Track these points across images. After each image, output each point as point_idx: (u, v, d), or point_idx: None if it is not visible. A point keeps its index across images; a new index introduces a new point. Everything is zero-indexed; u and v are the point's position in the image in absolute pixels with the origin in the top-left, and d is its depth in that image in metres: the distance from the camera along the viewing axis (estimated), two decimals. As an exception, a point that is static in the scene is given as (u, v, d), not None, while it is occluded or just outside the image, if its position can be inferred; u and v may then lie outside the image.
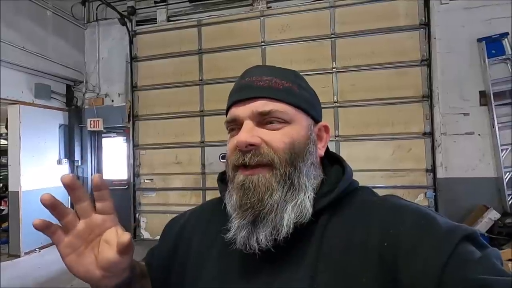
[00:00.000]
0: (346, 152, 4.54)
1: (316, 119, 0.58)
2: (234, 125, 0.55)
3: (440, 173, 4.28)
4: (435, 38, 4.36)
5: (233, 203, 0.53)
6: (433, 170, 4.32)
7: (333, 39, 4.69)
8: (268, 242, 0.49)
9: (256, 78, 0.55)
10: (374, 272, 0.45)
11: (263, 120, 0.53)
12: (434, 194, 4.31)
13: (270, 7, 4.99)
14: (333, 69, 4.66)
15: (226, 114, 0.58)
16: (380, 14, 4.50)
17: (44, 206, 0.43)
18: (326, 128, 0.60)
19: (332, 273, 0.47)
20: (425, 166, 4.36)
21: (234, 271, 0.54)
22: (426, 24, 4.40)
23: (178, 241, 0.64)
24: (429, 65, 4.36)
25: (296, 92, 0.55)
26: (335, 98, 4.63)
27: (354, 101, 4.58)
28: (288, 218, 0.50)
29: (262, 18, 4.96)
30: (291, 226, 0.50)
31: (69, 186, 0.45)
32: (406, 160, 4.41)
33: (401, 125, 4.44)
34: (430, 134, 4.34)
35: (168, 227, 0.70)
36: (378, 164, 4.46)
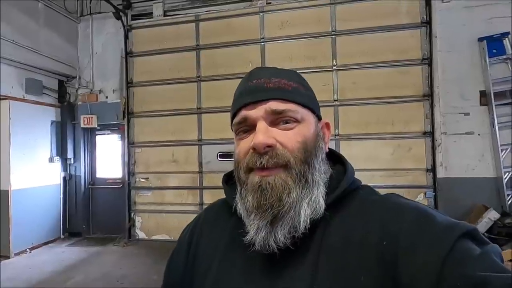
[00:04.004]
0: (346, 151, 4.49)
1: (319, 117, 0.60)
2: (245, 127, 0.56)
3: (440, 173, 4.26)
4: (436, 37, 4.33)
5: (248, 205, 0.53)
6: (433, 169, 4.30)
7: (333, 36, 4.62)
8: (286, 240, 0.50)
9: (265, 80, 0.55)
10: (373, 271, 0.45)
11: (276, 119, 0.53)
12: (434, 194, 4.29)
13: (270, 2, 4.89)
14: (334, 67, 4.60)
15: (233, 117, 0.58)
16: (381, 12, 4.44)
17: None
18: (327, 125, 0.62)
19: (332, 272, 0.47)
20: (425, 166, 4.33)
21: (237, 271, 0.55)
22: (427, 23, 4.36)
23: (190, 244, 0.65)
24: (430, 64, 4.33)
25: (303, 92, 0.57)
26: (335, 97, 4.57)
27: (354, 100, 4.52)
28: (305, 214, 0.51)
29: (261, 14, 4.86)
30: (308, 221, 0.51)
31: None
32: (406, 159, 4.37)
33: (402, 124, 4.40)
34: (431, 134, 4.31)
35: (180, 239, 0.70)
36: (378, 164, 4.42)
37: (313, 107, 0.58)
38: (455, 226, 0.44)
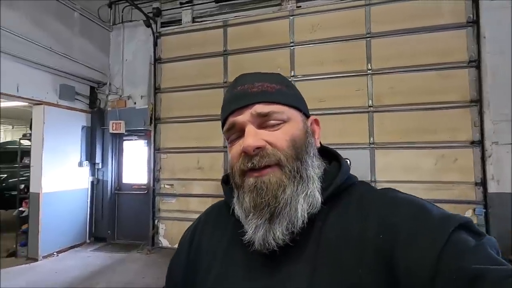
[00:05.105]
0: (382, 161, 4.17)
1: (307, 115, 0.62)
2: (235, 132, 0.57)
3: (492, 187, 3.81)
4: (484, 37, 3.95)
5: (246, 205, 0.54)
6: (483, 183, 3.85)
7: (368, 39, 4.36)
8: (285, 237, 0.51)
9: (248, 85, 0.57)
10: (369, 264, 0.46)
11: (263, 122, 0.55)
12: (484, 210, 3.84)
13: (300, 6, 4.74)
14: (368, 71, 4.32)
15: (223, 125, 0.60)
16: (422, 12, 4.14)
17: None
18: (316, 122, 0.63)
19: (330, 266, 0.48)
20: (474, 179, 3.90)
21: (237, 269, 0.56)
22: (474, 22, 3.99)
23: (191, 241, 0.66)
24: (478, 67, 3.94)
25: (286, 92, 0.59)
26: (370, 102, 4.28)
27: (391, 106, 4.21)
28: (302, 209, 0.52)
29: (291, 17, 4.72)
30: (305, 216, 0.52)
31: None
32: (451, 171, 3.96)
33: (446, 133, 4.01)
34: (480, 143, 3.89)
35: (181, 241, 0.71)
36: (418, 175, 4.04)
37: (299, 105, 0.59)
38: (451, 218, 0.45)
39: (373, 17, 4.35)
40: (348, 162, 3.93)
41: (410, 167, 4.08)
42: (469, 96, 3.97)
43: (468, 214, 3.88)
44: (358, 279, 0.45)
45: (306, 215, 0.52)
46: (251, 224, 0.53)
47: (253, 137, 0.53)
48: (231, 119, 0.57)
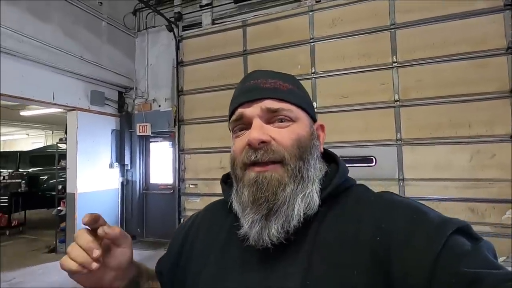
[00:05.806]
0: (410, 158, 3.95)
1: (314, 119, 0.62)
2: (241, 124, 0.58)
3: (537, 185, 3.47)
4: (525, 21, 3.61)
5: (244, 199, 0.54)
6: (526, 181, 3.52)
7: (392, 30, 4.15)
8: (280, 235, 0.51)
9: (261, 80, 0.58)
10: (365, 266, 0.46)
11: (271, 118, 0.56)
12: (528, 210, 3.51)
13: (320, 1, 4.63)
14: (394, 64, 4.11)
15: (230, 117, 0.60)
16: (452, -2, 3.87)
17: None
18: (322, 127, 0.64)
19: (325, 267, 0.48)
20: (515, 176, 3.57)
21: (233, 267, 0.56)
22: (512, 5, 3.66)
23: (184, 242, 0.66)
24: (518, 54, 3.61)
25: (297, 93, 0.60)
26: (396, 97, 4.07)
27: (420, 99, 3.97)
28: (298, 208, 0.52)
29: (310, 13, 4.62)
30: (301, 215, 0.52)
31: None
32: (489, 168, 3.66)
33: (481, 126, 3.71)
34: (522, 137, 3.56)
35: (175, 234, 0.72)
36: (451, 173, 3.78)
37: (307, 108, 0.60)
38: (448, 222, 0.45)
39: (398, 7, 4.14)
40: (374, 160, 3.71)
41: (441, 164, 3.83)
42: (509, 85, 3.64)
43: (508, 214, 3.56)
44: (353, 280, 0.46)
45: (302, 215, 0.52)
46: (248, 219, 0.53)
47: (259, 131, 0.53)
48: (240, 110, 0.57)
